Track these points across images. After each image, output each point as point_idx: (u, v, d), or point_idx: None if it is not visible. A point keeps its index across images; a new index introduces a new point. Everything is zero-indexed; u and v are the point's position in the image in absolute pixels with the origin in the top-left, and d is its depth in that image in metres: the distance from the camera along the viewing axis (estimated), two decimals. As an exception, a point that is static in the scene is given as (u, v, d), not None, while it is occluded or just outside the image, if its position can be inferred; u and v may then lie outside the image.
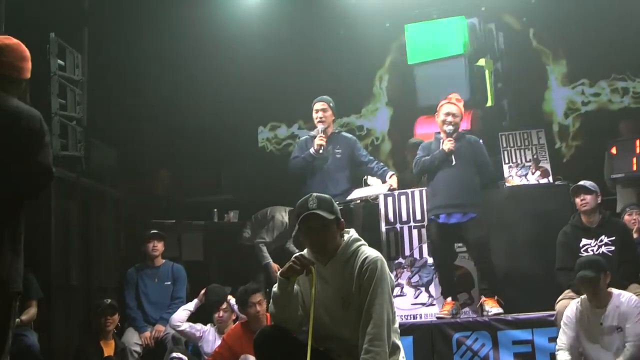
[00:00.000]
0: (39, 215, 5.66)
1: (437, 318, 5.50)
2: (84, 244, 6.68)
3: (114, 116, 7.31)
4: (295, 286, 3.42)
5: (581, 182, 5.30)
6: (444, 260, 5.57)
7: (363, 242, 3.51)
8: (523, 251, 5.69)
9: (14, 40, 3.25)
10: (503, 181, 6.09)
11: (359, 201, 5.99)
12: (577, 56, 7.96)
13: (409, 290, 5.80)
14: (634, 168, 6.31)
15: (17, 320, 4.78)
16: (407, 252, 5.86)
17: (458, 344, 5.27)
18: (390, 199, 5.97)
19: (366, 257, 3.36)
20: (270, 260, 7.04)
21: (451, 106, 5.58)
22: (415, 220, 5.88)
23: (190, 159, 8.21)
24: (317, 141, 5.85)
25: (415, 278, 5.81)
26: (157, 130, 7.96)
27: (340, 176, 5.97)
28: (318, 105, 5.99)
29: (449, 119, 5.52)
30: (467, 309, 5.58)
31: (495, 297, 5.40)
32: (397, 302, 5.32)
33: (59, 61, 6.06)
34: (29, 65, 3.27)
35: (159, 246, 6.39)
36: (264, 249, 7.09)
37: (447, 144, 5.46)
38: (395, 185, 5.94)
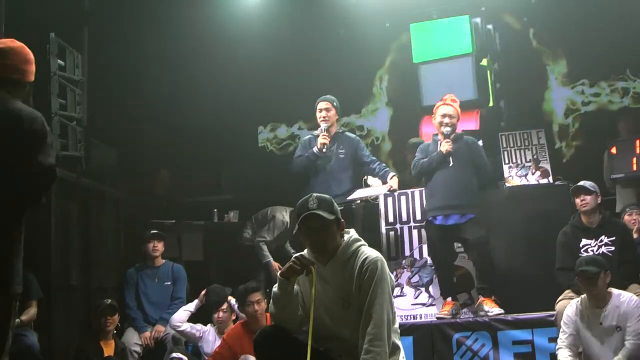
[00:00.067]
0: (39, 215, 5.66)
1: (437, 318, 5.50)
2: (84, 244, 6.68)
3: (114, 116, 7.31)
4: (295, 286, 3.42)
5: (581, 183, 5.30)
6: (444, 261, 5.57)
7: (363, 242, 3.51)
8: (523, 251, 5.69)
9: (17, 43, 3.26)
10: (503, 181, 6.09)
11: (358, 201, 6.00)
12: (577, 56, 7.96)
13: (409, 291, 5.81)
14: (634, 168, 6.31)
15: (17, 320, 4.78)
16: (407, 253, 5.87)
17: (458, 344, 5.27)
18: (390, 199, 5.97)
19: (366, 258, 3.36)
20: (271, 259, 7.04)
21: (447, 107, 5.59)
22: (415, 221, 5.88)
23: (190, 159, 8.21)
24: (320, 140, 5.84)
25: (415, 278, 5.81)
26: (157, 130, 7.96)
27: (343, 176, 5.97)
28: (322, 105, 5.99)
29: (446, 120, 5.52)
30: (467, 309, 5.58)
31: (493, 297, 5.40)
32: (397, 302, 5.32)
33: (59, 61, 6.06)
34: (33, 68, 3.29)
35: (159, 246, 6.38)
36: (265, 247, 7.09)
37: (445, 146, 5.47)
38: (395, 187, 5.94)
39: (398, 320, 3.57)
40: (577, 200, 5.28)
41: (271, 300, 3.47)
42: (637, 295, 4.74)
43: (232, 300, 5.73)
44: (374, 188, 6.01)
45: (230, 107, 8.14)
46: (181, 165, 8.11)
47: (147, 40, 7.51)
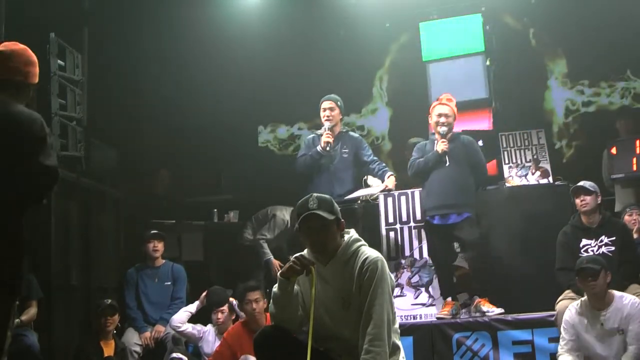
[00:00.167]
0: (39, 215, 5.67)
1: (437, 318, 5.49)
2: (84, 244, 6.68)
3: (114, 116, 7.31)
4: (296, 286, 3.42)
5: (581, 183, 5.30)
6: (443, 260, 5.57)
7: (363, 242, 3.52)
8: (523, 251, 5.68)
9: (20, 46, 3.29)
10: (503, 181, 6.09)
11: (358, 201, 5.99)
12: (577, 56, 7.96)
13: (409, 291, 5.80)
14: (634, 168, 6.30)
15: (17, 320, 4.80)
16: (407, 253, 5.86)
17: (458, 344, 5.27)
18: (390, 199, 5.97)
19: (366, 258, 3.36)
20: (271, 257, 7.04)
21: (443, 107, 5.59)
22: (415, 221, 5.88)
23: (190, 159, 8.21)
24: (324, 138, 5.84)
25: (415, 278, 5.81)
26: (157, 130, 7.96)
27: (345, 176, 5.96)
28: (326, 104, 5.99)
29: (442, 119, 5.53)
30: (467, 309, 5.57)
31: (487, 298, 5.40)
32: (397, 302, 5.31)
33: (59, 61, 6.07)
34: (36, 70, 3.31)
35: (160, 246, 6.38)
36: (265, 245, 7.09)
37: (441, 145, 5.47)
38: (391, 187, 5.92)
39: (398, 321, 3.57)
40: (577, 201, 5.28)
41: (271, 300, 3.47)
42: (637, 296, 4.74)
43: (234, 301, 5.72)
44: (371, 188, 6.00)
45: (230, 107, 8.14)
46: (181, 165, 8.11)
47: (147, 40, 7.50)
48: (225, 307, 5.75)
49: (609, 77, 7.92)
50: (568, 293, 5.05)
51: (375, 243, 5.57)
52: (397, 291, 5.71)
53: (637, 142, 6.34)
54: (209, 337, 5.77)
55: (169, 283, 6.35)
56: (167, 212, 7.45)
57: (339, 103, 5.99)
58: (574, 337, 4.65)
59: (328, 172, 5.92)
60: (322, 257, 3.43)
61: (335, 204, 3.47)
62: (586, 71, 7.99)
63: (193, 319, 5.89)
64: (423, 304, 5.74)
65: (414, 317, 5.70)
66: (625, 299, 4.62)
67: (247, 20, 7.84)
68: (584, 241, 5.21)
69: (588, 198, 5.22)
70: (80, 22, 6.82)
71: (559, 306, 5.00)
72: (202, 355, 5.74)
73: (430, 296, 5.74)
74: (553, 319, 5.05)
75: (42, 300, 5.42)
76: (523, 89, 7.99)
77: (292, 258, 3.40)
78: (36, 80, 3.31)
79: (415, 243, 5.86)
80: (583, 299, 4.74)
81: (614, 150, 6.57)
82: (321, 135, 5.92)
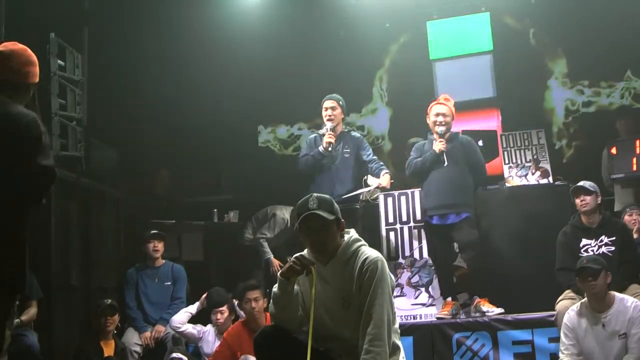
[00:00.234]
0: (39, 215, 5.66)
1: (437, 318, 5.50)
2: (84, 244, 6.68)
3: (114, 116, 7.31)
4: (296, 286, 3.42)
5: (581, 183, 5.30)
6: (443, 261, 5.58)
7: (363, 242, 3.51)
8: (523, 251, 5.69)
9: (19, 46, 3.28)
10: (503, 181, 6.09)
11: (358, 201, 5.99)
12: (577, 56, 7.96)
13: (409, 291, 5.81)
14: (634, 168, 6.31)
15: (17, 320, 4.80)
16: (407, 253, 5.87)
17: (458, 344, 5.27)
18: (390, 199, 5.97)
19: (366, 258, 3.36)
20: (271, 256, 7.04)
21: (441, 106, 5.59)
22: (415, 221, 5.88)
23: (190, 159, 8.21)
24: (326, 139, 5.83)
25: (415, 278, 5.81)
26: (157, 130, 7.96)
27: (347, 176, 5.94)
28: (327, 103, 5.96)
29: (440, 119, 5.53)
30: (467, 309, 5.57)
31: (487, 298, 5.40)
32: (397, 302, 5.32)
33: (59, 61, 6.07)
34: (36, 69, 3.30)
35: (160, 246, 6.38)
36: (265, 244, 7.09)
37: (438, 145, 5.47)
38: (384, 185, 5.83)
39: (398, 321, 3.57)
40: (577, 201, 5.28)
41: (271, 300, 3.47)
42: (637, 296, 4.74)
43: (236, 302, 5.72)
44: (365, 188, 5.98)
45: (230, 107, 8.14)
46: (181, 165, 8.11)
47: (147, 40, 7.50)
48: (225, 308, 5.75)
49: (609, 77, 7.91)
50: (568, 293, 5.05)
51: (375, 243, 5.58)
52: (397, 291, 5.72)
53: (637, 142, 6.34)
54: (209, 337, 5.77)
55: (169, 283, 6.35)
56: (167, 212, 7.45)
57: (340, 102, 5.98)
58: (574, 340, 4.63)
59: (330, 172, 5.91)
60: (322, 257, 3.43)
61: (335, 204, 3.47)
62: (586, 71, 7.98)
63: (193, 319, 5.89)
64: (423, 304, 5.74)
65: (414, 317, 5.70)
66: (628, 302, 4.60)
67: (247, 21, 7.84)
68: (584, 241, 5.21)
69: (588, 198, 5.22)
70: (80, 22, 6.82)
71: (559, 306, 4.99)
72: (202, 356, 5.74)
73: (430, 296, 5.74)
74: (553, 319, 5.05)
75: (42, 300, 5.41)
76: (523, 89, 7.99)
77: (292, 258, 3.40)
78: (36, 79, 3.31)
79: (415, 243, 5.86)
80: (583, 300, 4.74)
81: (614, 150, 6.57)
82: (323, 135, 5.91)
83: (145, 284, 6.30)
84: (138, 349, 5.99)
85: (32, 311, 5.22)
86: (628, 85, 7.86)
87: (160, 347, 5.98)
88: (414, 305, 5.76)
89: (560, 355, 4.69)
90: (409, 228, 5.90)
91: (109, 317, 5.69)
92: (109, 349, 5.66)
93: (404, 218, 5.92)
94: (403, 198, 5.95)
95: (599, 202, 5.29)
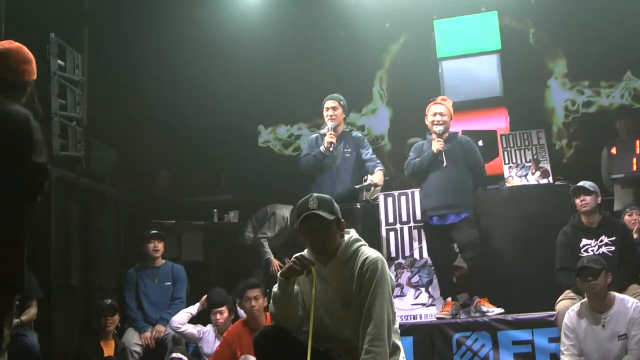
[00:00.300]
0: (39, 215, 5.66)
1: (437, 318, 5.50)
2: (84, 244, 6.67)
3: (114, 116, 7.31)
4: (296, 286, 3.42)
5: (581, 183, 5.30)
6: (443, 261, 5.58)
7: (363, 242, 3.51)
8: (523, 251, 5.69)
9: (15, 44, 3.28)
10: (503, 181, 6.09)
11: (358, 202, 6.00)
12: (577, 56, 7.96)
13: (409, 291, 5.81)
14: (634, 168, 6.31)
15: (17, 320, 4.80)
16: (407, 253, 5.87)
17: (458, 344, 5.27)
18: (390, 199, 5.97)
19: (366, 258, 3.36)
20: (271, 256, 7.05)
21: (438, 106, 5.60)
22: (415, 221, 5.88)
23: (190, 159, 8.21)
24: (327, 139, 5.83)
25: (415, 278, 5.81)
26: (157, 130, 7.96)
27: (347, 175, 5.95)
28: (329, 103, 5.96)
29: (437, 118, 5.53)
30: (467, 309, 5.57)
31: (487, 298, 5.40)
32: (397, 302, 5.32)
33: (59, 61, 6.06)
34: (33, 67, 3.29)
35: (160, 246, 6.38)
36: (266, 244, 7.10)
37: (436, 145, 5.48)
38: (376, 181, 5.84)
39: (398, 321, 3.57)
40: (577, 201, 5.28)
41: (271, 301, 3.47)
42: (637, 296, 4.73)
43: (237, 300, 5.72)
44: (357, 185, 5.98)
45: (230, 107, 8.13)
46: (181, 165, 8.11)
47: (147, 40, 7.50)
48: (224, 308, 5.75)
49: (609, 77, 7.91)
50: (568, 293, 5.05)
51: (375, 243, 5.58)
52: (397, 291, 5.71)
53: (637, 142, 6.34)
54: (209, 338, 5.76)
55: (169, 283, 6.35)
56: (167, 212, 7.45)
57: (342, 102, 5.98)
58: (574, 341, 4.63)
59: (330, 171, 5.92)
60: (322, 257, 3.43)
61: (336, 204, 3.47)
62: (586, 71, 7.99)
63: (193, 320, 5.89)
64: (423, 304, 5.74)
65: (414, 317, 5.70)
66: (628, 302, 4.60)
67: (247, 21, 7.84)
68: (584, 241, 5.21)
69: (588, 198, 5.22)
70: (80, 22, 6.81)
71: (559, 306, 4.99)
72: (202, 356, 5.74)
73: (430, 296, 5.74)
74: (553, 319, 5.05)
75: (42, 300, 5.41)
76: (523, 89, 7.99)
77: (292, 258, 3.40)
78: (33, 77, 3.29)
79: (415, 243, 5.86)
80: (583, 300, 4.73)
81: (614, 150, 6.57)
82: (324, 135, 5.91)
83: (145, 284, 6.30)
84: (138, 349, 5.99)
85: (32, 311, 5.22)
86: (628, 85, 7.87)
87: (161, 347, 5.98)
88: (414, 305, 5.76)
89: (561, 355, 4.69)
90: (409, 228, 5.90)
91: (109, 317, 5.69)
92: (109, 349, 5.66)
93: (404, 218, 5.92)
94: (403, 198, 5.95)
95: (599, 202, 5.29)
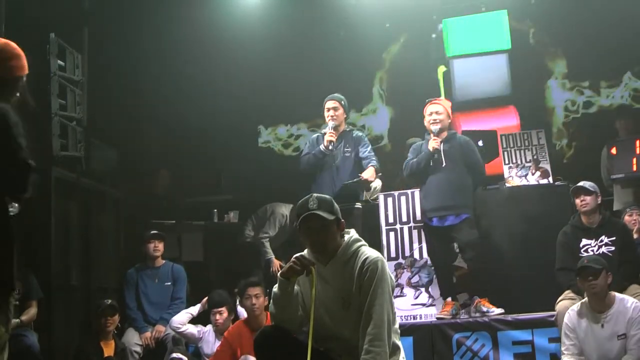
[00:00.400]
0: (39, 215, 5.67)
1: (437, 318, 5.50)
2: (84, 244, 6.68)
3: (114, 116, 7.31)
4: (296, 286, 3.42)
5: (581, 183, 5.30)
6: (443, 262, 5.58)
7: (363, 242, 3.51)
8: (523, 251, 5.69)
9: (1, 41, 3.24)
10: (503, 182, 6.09)
11: (358, 202, 6.00)
12: (577, 56, 7.97)
13: (409, 291, 5.80)
14: (634, 168, 6.31)
15: (17, 320, 4.80)
16: (407, 253, 5.86)
17: (458, 344, 5.27)
18: (390, 199, 5.97)
19: (366, 258, 3.36)
20: (272, 257, 7.05)
21: (435, 106, 5.61)
22: (415, 221, 5.87)
23: (190, 159, 8.21)
24: (326, 137, 5.84)
25: (415, 278, 5.81)
26: (157, 130, 7.96)
27: (347, 174, 5.95)
28: (330, 104, 5.98)
29: (433, 117, 5.53)
30: (467, 309, 5.57)
31: (487, 298, 5.41)
32: (397, 302, 5.31)
33: (59, 61, 6.06)
34: (22, 62, 3.23)
35: (160, 246, 6.38)
36: (267, 244, 7.11)
37: (432, 143, 5.47)
38: (367, 177, 5.83)
39: (398, 321, 3.57)
40: (577, 201, 5.28)
41: (271, 301, 3.47)
42: (637, 296, 4.73)
43: (238, 299, 5.72)
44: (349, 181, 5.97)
45: (230, 107, 8.14)
46: (181, 165, 8.11)
47: (147, 40, 7.50)
48: (224, 309, 5.74)
49: (609, 78, 7.91)
50: (568, 293, 5.05)
51: (375, 243, 5.57)
52: (397, 291, 5.71)
53: (637, 142, 6.35)
54: (209, 338, 5.76)
55: (169, 283, 6.34)
56: (167, 212, 7.45)
57: (343, 102, 5.99)
58: (575, 340, 4.63)
59: (330, 170, 5.93)
60: (322, 257, 3.43)
61: (336, 204, 3.47)
62: (586, 71, 8.00)
63: (193, 320, 5.88)
64: (423, 304, 5.74)
65: (414, 317, 5.70)
66: (628, 302, 4.60)
67: (247, 21, 7.84)
68: (584, 241, 5.21)
69: (588, 198, 5.22)
70: (80, 22, 6.82)
71: (559, 306, 4.99)
72: (202, 356, 5.74)
73: (430, 296, 5.74)
74: (553, 319, 5.05)
75: (42, 300, 5.42)
76: (523, 89, 7.99)
77: (292, 258, 3.40)
78: (23, 72, 3.23)
79: (415, 243, 5.85)
80: (583, 300, 4.73)
81: (613, 151, 6.57)
82: (325, 134, 5.92)
83: (146, 284, 6.30)
84: (138, 349, 5.99)
85: (32, 311, 5.22)
86: (628, 86, 7.87)
87: (161, 347, 5.97)
88: (414, 305, 5.75)
89: (562, 355, 4.69)
90: (409, 228, 5.89)
91: (109, 317, 5.69)
92: (109, 349, 5.66)
93: (404, 218, 5.91)
94: (403, 198, 5.94)
95: (599, 202, 5.29)
